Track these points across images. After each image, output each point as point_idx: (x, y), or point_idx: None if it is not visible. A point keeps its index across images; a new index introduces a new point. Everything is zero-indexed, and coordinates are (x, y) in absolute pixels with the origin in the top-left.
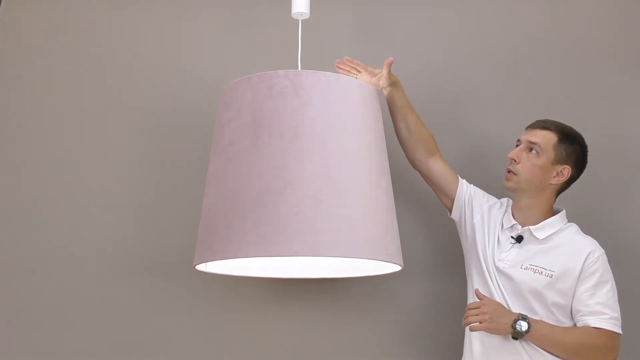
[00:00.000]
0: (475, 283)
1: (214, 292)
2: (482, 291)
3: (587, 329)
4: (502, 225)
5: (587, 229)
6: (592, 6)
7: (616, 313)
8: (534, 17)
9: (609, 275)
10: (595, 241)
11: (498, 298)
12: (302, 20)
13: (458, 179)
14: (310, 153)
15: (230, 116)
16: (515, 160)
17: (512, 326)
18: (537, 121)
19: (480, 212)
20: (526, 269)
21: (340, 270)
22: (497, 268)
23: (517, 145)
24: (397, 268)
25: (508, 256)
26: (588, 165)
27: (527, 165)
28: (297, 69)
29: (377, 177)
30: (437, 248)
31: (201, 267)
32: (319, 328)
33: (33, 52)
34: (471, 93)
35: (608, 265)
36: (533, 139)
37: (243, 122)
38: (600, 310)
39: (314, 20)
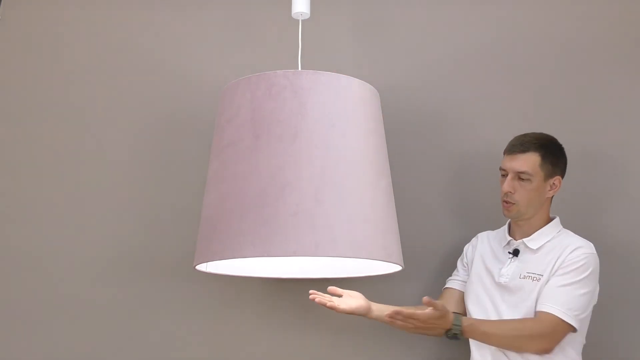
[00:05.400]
0: (470, 303)
1: (214, 292)
2: (478, 312)
3: (524, 319)
4: (500, 243)
5: (583, 232)
6: (592, 7)
7: (576, 310)
8: (534, 19)
9: (591, 280)
10: (588, 242)
11: (493, 316)
12: (302, 20)
13: (462, 292)
14: (310, 153)
15: (230, 116)
16: (510, 192)
17: (446, 334)
18: (512, 145)
19: (476, 262)
20: (524, 277)
21: (340, 270)
22: (498, 284)
23: (502, 175)
24: (397, 268)
25: (508, 270)
26: (586, 168)
27: (523, 193)
28: (297, 69)
29: (377, 177)
30: (437, 248)
31: (201, 267)
32: (318, 328)
33: (33, 52)
34: (473, 91)
35: (596, 268)
36: (519, 169)
37: (243, 122)
38: (558, 299)
39: (314, 20)
